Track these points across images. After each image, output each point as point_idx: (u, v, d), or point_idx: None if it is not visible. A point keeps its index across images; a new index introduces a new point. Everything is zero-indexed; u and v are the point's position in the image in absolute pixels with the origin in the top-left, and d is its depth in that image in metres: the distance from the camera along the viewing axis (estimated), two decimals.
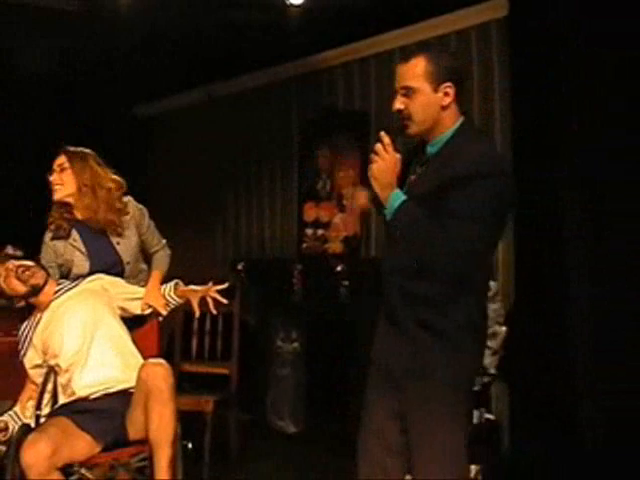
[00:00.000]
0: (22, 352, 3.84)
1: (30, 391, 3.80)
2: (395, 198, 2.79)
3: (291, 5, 5.55)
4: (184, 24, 6.15)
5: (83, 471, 3.59)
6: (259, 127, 7.55)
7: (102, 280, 3.91)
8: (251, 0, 5.87)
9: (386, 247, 3.08)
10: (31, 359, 3.79)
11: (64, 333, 3.71)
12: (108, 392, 3.62)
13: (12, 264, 3.77)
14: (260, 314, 6.70)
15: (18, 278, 3.74)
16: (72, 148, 4.07)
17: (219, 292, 3.93)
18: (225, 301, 3.92)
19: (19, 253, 3.85)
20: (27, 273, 3.76)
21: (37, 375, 3.78)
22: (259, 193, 7.60)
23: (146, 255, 4.27)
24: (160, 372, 3.46)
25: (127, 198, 4.13)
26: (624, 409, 4.29)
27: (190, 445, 4.76)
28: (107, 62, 6.97)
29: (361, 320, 6.03)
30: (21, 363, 3.90)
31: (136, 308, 3.94)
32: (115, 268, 4.07)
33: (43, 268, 3.87)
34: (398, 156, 2.80)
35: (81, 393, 3.62)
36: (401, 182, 2.88)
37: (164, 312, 3.96)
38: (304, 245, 7.01)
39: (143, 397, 3.45)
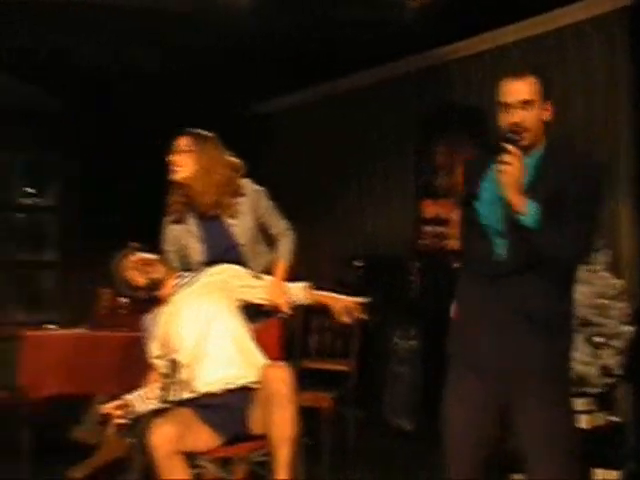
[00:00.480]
0: (146, 343, 3.91)
1: (155, 375, 3.87)
2: (531, 205, 2.97)
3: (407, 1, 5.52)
4: (302, 21, 6.18)
5: (204, 463, 3.66)
6: (376, 123, 7.54)
7: (223, 273, 3.92)
8: None
9: (501, 246, 3.11)
10: (153, 350, 3.87)
11: (182, 328, 3.76)
12: (229, 387, 3.66)
13: (135, 257, 3.86)
14: (378, 311, 6.68)
15: (139, 271, 3.83)
16: (194, 130, 4.10)
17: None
18: (364, 316, 3.92)
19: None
20: (148, 267, 3.84)
21: (160, 365, 3.85)
22: (375, 190, 7.59)
23: (268, 238, 4.24)
24: (281, 375, 3.50)
25: (244, 180, 4.15)
26: None
27: (310, 442, 4.80)
28: (224, 61, 7.08)
29: None
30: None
31: (257, 299, 3.92)
32: (231, 251, 4.05)
33: (166, 263, 3.94)
34: (522, 164, 3.01)
35: (202, 390, 3.67)
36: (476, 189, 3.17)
37: (286, 310, 3.94)
38: (421, 242, 6.97)
39: (264, 398, 3.50)
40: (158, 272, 3.85)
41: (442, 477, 5.13)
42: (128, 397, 3.77)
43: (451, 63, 6.81)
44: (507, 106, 3.11)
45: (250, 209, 4.08)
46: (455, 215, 6.61)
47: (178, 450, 3.44)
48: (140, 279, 3.83)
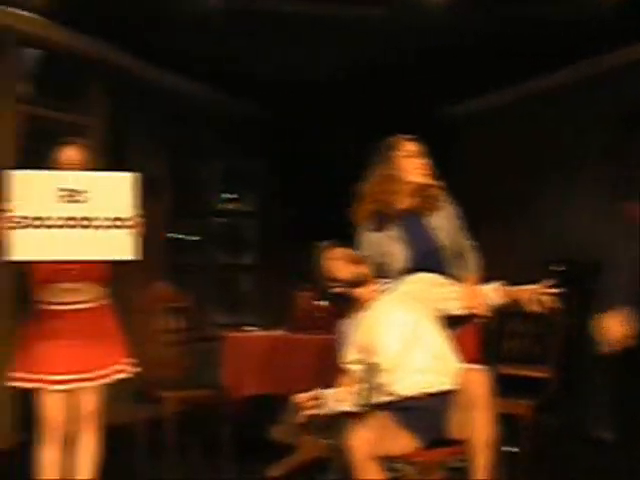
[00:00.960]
0: (343, 346, 3.92)
1: (347, 379, 3.89)
2: None
3: None
4: (496, 20, 6.09)
5: (401, 466, 3.65)
6: (572, 122, 7.33)
7: (421, 281, 3.90)
8: None
9: None
10: (348, 355, 3.87)
11: (385, 334, 3.75)
12: (430, 392, 3.63)
13: (341, 250, 3.87)
14: (576, 317, 6.48)
15: (344, 263, 3.83)
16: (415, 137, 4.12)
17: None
18: (556, 302, 3.80)
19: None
20: (354, 262, 3.83)
21: (354, 369, 3.86)
22: (572, 191, 7.37)
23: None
24: (480, 379, 3.46)
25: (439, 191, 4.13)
26: None
27: (515, 449, 4.72)
28: (416, 63, 7.07)
29: None
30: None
31: (454, 308, 3.89)
32: (434, 256, 4.03)
33: (369, 265, 3.92)
34: None
35: (402, 393, 3.66)
36: None
37: (484, 314, 3.88)
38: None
39: (463, 402, 3.47)
40: (363, 270, 3.85)
41: None
42: (322, 391, 3.80)
43: None
44: None
45: (451, 216, 4.06)
46: None
47: (375, 454, 3.46)
48: (344, 272, 3.83)
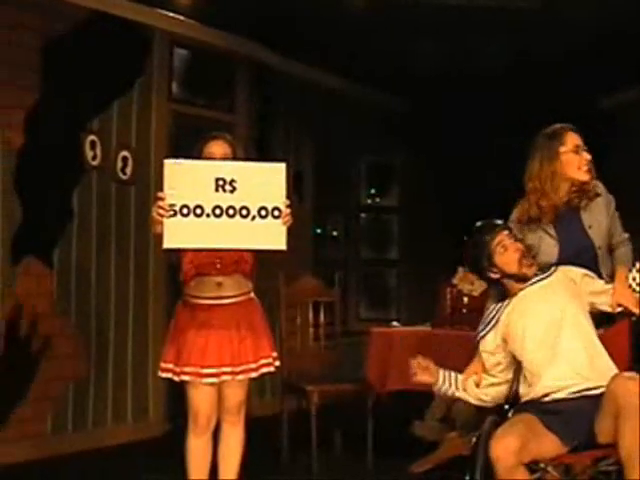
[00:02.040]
0: (482, 332, 3.85)
1: (475, 367, 3.83)
2: None
3: None
4: None
5: (549, 469, 3.57)
6: None
7: (571, 272, 3.79)
8: None
9: None
10: (488, 342, 3.81)
11: (528, 324, 3.67)
12: (577, 394, 3.54)
13: (520, 245, 3.80)
14: None
15: (519, 259, 3.74)
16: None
17: None
18: None
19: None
20: (527, 261, 3.76)
21: (488, 359, 3.80)
22: None
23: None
24: (630, 387, 3.33)
25: (597, 182, 4.00)
26: None
27: None
28: (564, 56, 6.91)
29: None
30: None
31: (604, 304, 3.76)
32: (586, 253, 3.89)
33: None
34: None
35: (546, 390, 3.58)
36: None
37: (636, 310, 3.74)
38: None
39: (613, 409, 3.35)
40: (532, 270, 3.76)
41: None
42: (440, 370, 3.79)
43: None
44: None
45: (605, 211, 3.93)
46: None
47: (521, 461, 3.37)
48: (513, 267, 3.73)
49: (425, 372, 3.80)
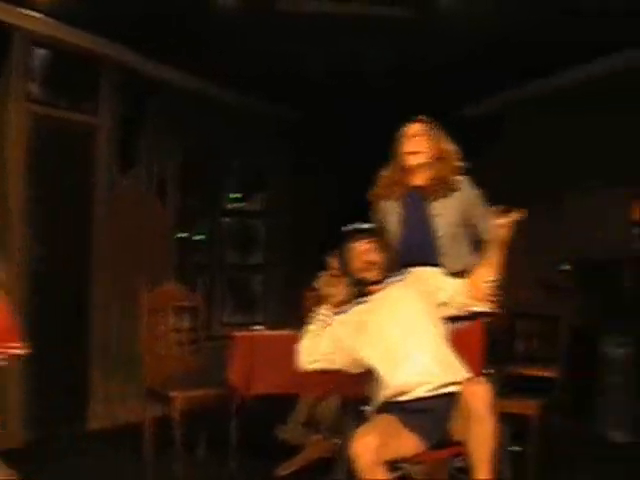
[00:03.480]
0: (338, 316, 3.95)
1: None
2: None
3: None
4: (520, 16, 6.06)
5: (407, 467, 3.64)
6: (590, 122, 7.28)
7: (424, 273, 3.89)
8: None
9: None
10: (337, 328, 3.89)
11: (380, 325, 3.75)
12: (432, 392, 3.62)
13: (360, 246, 3.90)
14: (587, 317, 6.47)
15: (363, 265, 3.86)
16: (425, 118, 4.19)
17: None
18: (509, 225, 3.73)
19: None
20: (365, 269, 3.87)
21: (328, 340, 3.89)
22: (587, 190, 7.33)
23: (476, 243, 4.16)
24: (479, 393, 3.43)
25: (462, 177, 4.14)
26: None
27: (518, 449, 4.70)
28: (440, 63, 7.06)
29: None
30: None
31: (458, 303, 3.86)
32: (427, 239, 4.06)
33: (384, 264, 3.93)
34: None
35: (399, 390, 3.65)
36: None
37: (489, 309, 3.84)
38: (636, 245, 6.68)
39: (463, 412, 3.46)
40: (374, 276, 3.88)
41: None
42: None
43: None
44: None
45: (460, 206, 4.05)
46: None
47: (380, 460, 3.42)
48: (378, 257, 3.87)
49: None
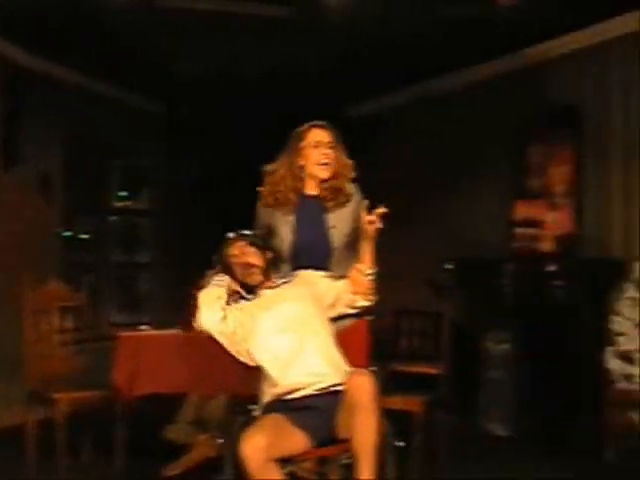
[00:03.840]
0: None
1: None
2: None
3: None
4: (393, 23, 6.16)
5: (293, 466, 3.66)
6: (471, 124, 7.46)
7: (311, 276, 3.92)
8: None
9: None
10: (237, 312, 3.86)
11: (268, 326, 3.77)
12: (319, 390, 3.65)
13: (249, 256, 3.90)
14: (470, 314, 6.63)
15: (254, 253, 3.86)
16: (327, 123, 4.10)
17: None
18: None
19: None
20: (246, 273, 3.88)
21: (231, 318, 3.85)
22: (470, 191, 7.51)
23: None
24: (363, 384, 3.46)
25: (352, 185, 4.13)
26: None
27: (402, 444, 4.77)
28: (318, 64, 7.11)
29: (575, 321, 5.86)
30: (232, 358, 4.01)
31: (344, 307, 3.92)
32: (321, 251, 4.04)
33: (267, 268, 3.95)
34: None
35: (289, 389, 3.67)
36: None
37: (368, 300, 3.89)
38: (515, 245, 6.87)
39: (347, 405, 3.49)
40: (254, 280, 3.88)
41: None
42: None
43: (547, 62, 6.70)
44: None
45: (352, 215, 4.06)
46: (550, 217, 6.54)
47: (270, 458, 3.42)
48: (258, 260, 3.86)
49: None
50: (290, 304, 3.79)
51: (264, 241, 3.99)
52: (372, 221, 3.77)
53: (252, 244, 3.92)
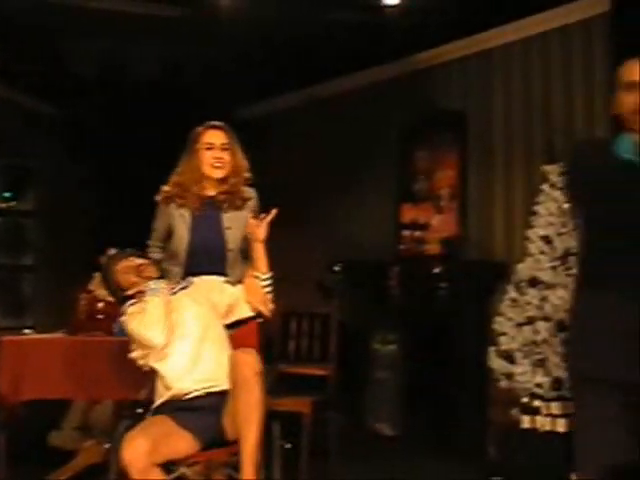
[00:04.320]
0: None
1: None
2: None
3: (388, 6, 5.55)
4: (284, 26, 6.19)
5: (183, 469, 3.64)
6: (358, 128, 7.55)
7: (208, 282, 3.92)
8: (350, 2, 5.89)
9: None
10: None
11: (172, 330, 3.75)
12: (208, 391, 3.65)
13: (130, 262, 3.85)
14: (357, 316, 6.70)
15: (135, 275, 3.82)
16: (227, 126, 4.13)
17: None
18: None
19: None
20: (143, 272, 3.84)
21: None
22: (357, 194, 7.59)
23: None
24: (246, 360, 3.48)
25: (249, 189, 4.18)
26: None
27: (289, 445, 4.79)
28: (209, 66, 7.09)
29: (459, 322, 5.99)
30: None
31: (240, 314, 3.93)
32: (217, 252, 4.07)
33: (157, 267, 3.93)
34: None
35: (180, 392, 3.65)
36: None
37: (268, 314, 3.92)
38: (401, 247, 6.98)
39: (232, 383, 3.50)
40: (152, 272, 3.85)
41: None
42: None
43: (434, 68, 6.83)
44: (632, 86, 2.94)
45: (247, 219, 4.08)
46: (435, 220, 6.68)
47: (153, 463, 3.37)
48: (128, 283, 3.82)
49: None
50: (188, 312, 3.78)
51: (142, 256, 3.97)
52: (258, 225, 3.81)
53: (136, 258, 3.89)
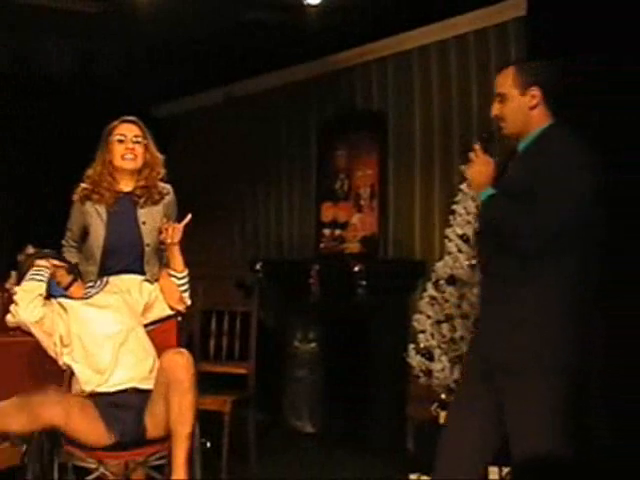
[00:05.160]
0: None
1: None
2: (484, 193, 3.15)
3: (309, 5, 5.56)
4: (202, 24, 6.17)
5: (101, 469, 3.61)
6: (277, 127, 7.56)
7: (126, 282, 3.90)
8: (269, 0, 5.89)
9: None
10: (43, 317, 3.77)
11: (83, 334, 3.71)
12: (130, 388, 3.63)
13: (45, 262, 3.80)
14: (278, 314, 6.71)
15: (52, 275, 3.78)
16: (139, 121, 4.12)
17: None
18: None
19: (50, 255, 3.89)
20: (57, 272, 3.80)
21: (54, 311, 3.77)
22: (277, 193, 7.61)
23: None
24: (180, 361, 3.47)
25: (166, 185, 4.18)
26: None
27: (209, 444, 4.78)
28: (125, 63, 7.01)
29: (379, 320, 6.04)
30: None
31: (157, 312, 3.92)
32: (133, 248, 4.06)
33: (73, 271, 3.89)
34: (491, 160, 3.18)
35: (97, 389, 3.63)
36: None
37: (184, 311, 3.93)
38: (322, 245, 7.01)
39: (164, 388, 3.47)
40: (63, 278, 3.81)
41: (343, 478, 5.24)
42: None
43: (353, 68, 6.87)
44: (496, 95, 3.24)
45: (164, 212, 4.07)
46: (355, 219, 6.72)
47: (63, 417, 3.40)
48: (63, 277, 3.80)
49: None
50: (106, 312, 3.75)
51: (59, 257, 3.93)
52: (173, 228, 3.80)
53: (57, 259, 3.86)
